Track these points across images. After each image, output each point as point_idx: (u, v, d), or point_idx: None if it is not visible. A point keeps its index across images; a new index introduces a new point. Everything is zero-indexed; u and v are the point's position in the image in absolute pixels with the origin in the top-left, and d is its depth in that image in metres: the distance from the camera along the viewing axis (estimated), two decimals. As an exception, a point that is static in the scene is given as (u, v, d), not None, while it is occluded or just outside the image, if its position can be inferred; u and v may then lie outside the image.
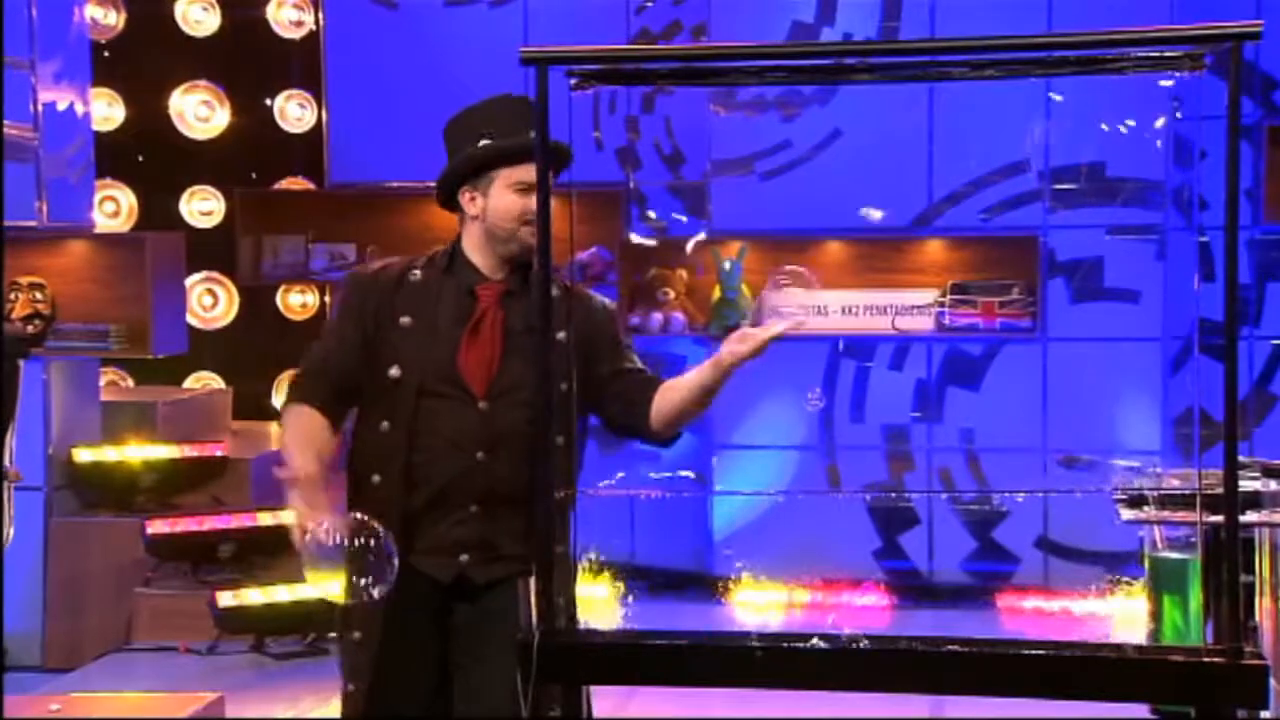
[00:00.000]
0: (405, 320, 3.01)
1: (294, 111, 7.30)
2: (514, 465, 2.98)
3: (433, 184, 3.21)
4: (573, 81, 2.88)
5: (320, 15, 7.09)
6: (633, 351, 3.15)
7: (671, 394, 3.07)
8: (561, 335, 2.93)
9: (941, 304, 6.20)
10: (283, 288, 7.28)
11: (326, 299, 7.27)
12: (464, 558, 2.98)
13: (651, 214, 6.88)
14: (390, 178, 6.88)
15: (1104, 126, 5.73)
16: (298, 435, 2.99)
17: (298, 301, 7.34)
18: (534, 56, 2.77)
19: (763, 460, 6.20)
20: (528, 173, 2.96)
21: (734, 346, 2.95)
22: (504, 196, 3.02)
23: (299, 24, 7.29)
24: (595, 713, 3.05)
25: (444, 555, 2.99)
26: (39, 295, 5.63)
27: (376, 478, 2.98)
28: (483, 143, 3.04)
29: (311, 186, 7.18)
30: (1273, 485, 3.28)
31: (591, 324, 3.09)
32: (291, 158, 7.26)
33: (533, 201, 2.90)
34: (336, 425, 3.05)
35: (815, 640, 2.62)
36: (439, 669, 3.04)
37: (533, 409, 2.86)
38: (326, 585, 2.84)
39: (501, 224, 3.02)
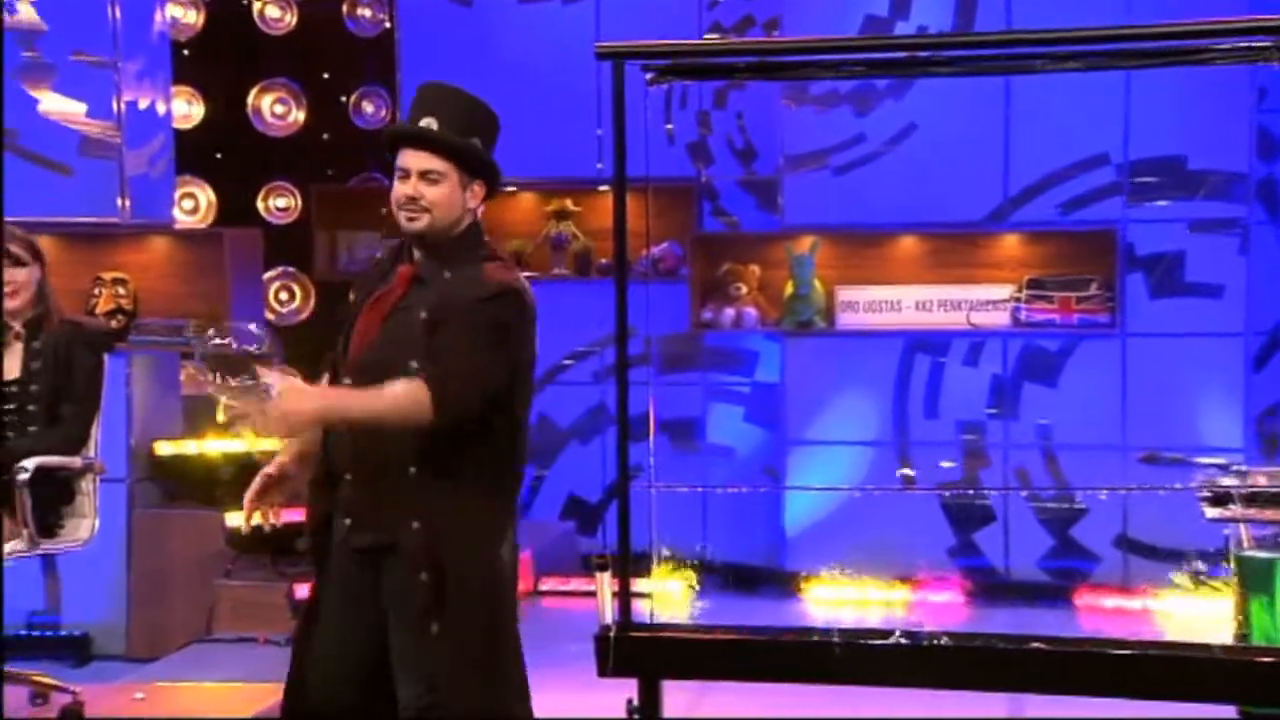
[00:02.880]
0: (351, 297, 3.16)
1: (369, 108, 7.36)
2: (371, 439, 3.00)
3: (505, 180, 3.28)
4: (649, 76, 2.91)
5: (395, 13, 7.15)
6: (459, 344, 3.00)
7: None
8: (424, 315, 3.00)
9: (1018, 299, 6.13)
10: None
11: (401, 294, 7.33)
12: (346, 522, 3.06)
13: (724, 209, 6.87)
14: (464, 174, 6.91)
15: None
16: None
17: (372, 297, 7.40)
18: (610, 52, 2.78)
19: (837, 456, 6.17)
20: (401, 157, 3.08)
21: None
22: (395, 182, 3.11)
23: (374, 21, 7.35)
24: (669, 711, 3.06)
25: (338, 517, 3.09)
26: (122, 290, 5.71)
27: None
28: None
29: (386, 183, 7.23)
30: (1362, 483, 3.21)
31: (450, 302, 3.06)
32: (366, 154, 7.32)
33: (406, 187, 3.05)
34: None
35: (897, 637, 2.61)
36: (353, 630, 3.07)
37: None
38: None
39: (392, 206, 3.13)
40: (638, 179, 3.14)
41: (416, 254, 3.11)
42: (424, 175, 3.04)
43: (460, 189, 3.06)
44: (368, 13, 7.41)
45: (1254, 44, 2.70)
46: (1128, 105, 5.96)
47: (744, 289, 6.46)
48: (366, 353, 3.04)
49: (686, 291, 6.46)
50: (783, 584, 6.10)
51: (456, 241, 3.10)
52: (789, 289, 6.31)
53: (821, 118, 6.22)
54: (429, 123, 3.05)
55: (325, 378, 3.21)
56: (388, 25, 7.24)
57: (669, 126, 6.61)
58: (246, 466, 5.96)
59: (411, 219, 3.05)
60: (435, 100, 3.10)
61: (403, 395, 2.89)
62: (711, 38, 6.46)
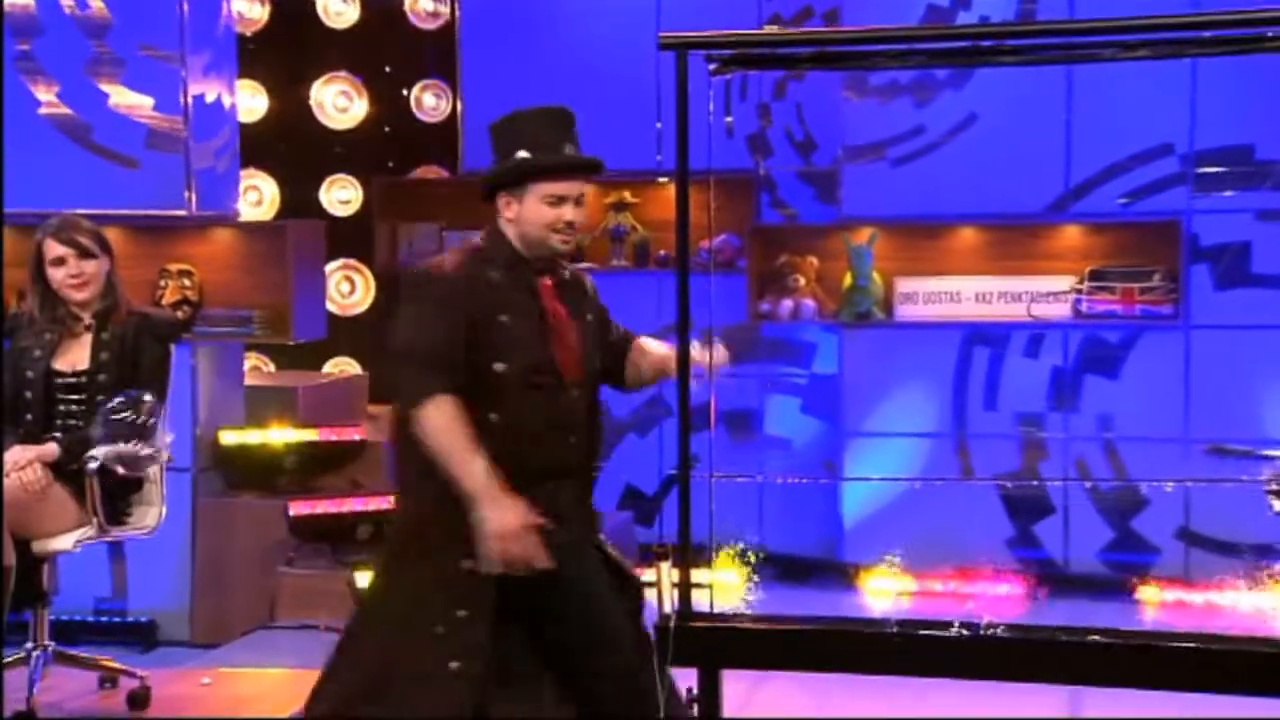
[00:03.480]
0: (504, 318, 3.22)
1: (430, 101, 7.42)
2: (590, 442, 3.34)
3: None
4: (712, 66, 2.92)
5: (456, 6, 7.19)
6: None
7: (639, 363, 3.45)
8: (590, 318, 3.35)
9: (1079, 290, 6.08)
10: (418, 275, 7.40)
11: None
12: (549, 526, 3.18)
13: (782, 200, 6.85)
14: (523, 166, 6.94)
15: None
16: (459, 435, 3.10)
17: (432, 288, 7.46)
18: (673, 42, 2.80)
19: (895, 448, 6.14)
20: (559, 187, 3.24)
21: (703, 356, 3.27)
22: (537, 206, 3.26)
23: (435, 15, 7.41)
24: (725, 704, 3.08)
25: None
26: (187, 282, 5.78)
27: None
28: (521, 154, 3.27)
29: (446, 175, 7.29)
30: None
31: (597, 301, 3.45)
32: (427, 147, 7.37)
33: (564, 212, 3.23)
34: None
35: (955, 628, 2.61)
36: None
37: (594, 389, 3.34)
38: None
39: (532, 230, 3.27)
40: (699, 171, 3.15)
41: (531, 259, 3.28)
42: (577, 200, 3.27)
43: None
44: (429, 6, 7.47)
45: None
46: (1193, 94, 5.89)
47: (802, 280, 6.44)
48: (587, 362, 3.30)
49: (744, 283, 6.46)
50: (840, 575, 6.09)
51: None
52: (847, 280, 6.29)
53: (881, 109, 6.19)
54: (570, 150, 3.26)
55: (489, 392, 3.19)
56: (449, 18, 7.28)
57: (729, 119, 6.61)
58: (309, 456, 6.04)
59: (566, 242, 3.27)
60: (562, 125, 3.30)
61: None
62: (771, 29, 6.45)
